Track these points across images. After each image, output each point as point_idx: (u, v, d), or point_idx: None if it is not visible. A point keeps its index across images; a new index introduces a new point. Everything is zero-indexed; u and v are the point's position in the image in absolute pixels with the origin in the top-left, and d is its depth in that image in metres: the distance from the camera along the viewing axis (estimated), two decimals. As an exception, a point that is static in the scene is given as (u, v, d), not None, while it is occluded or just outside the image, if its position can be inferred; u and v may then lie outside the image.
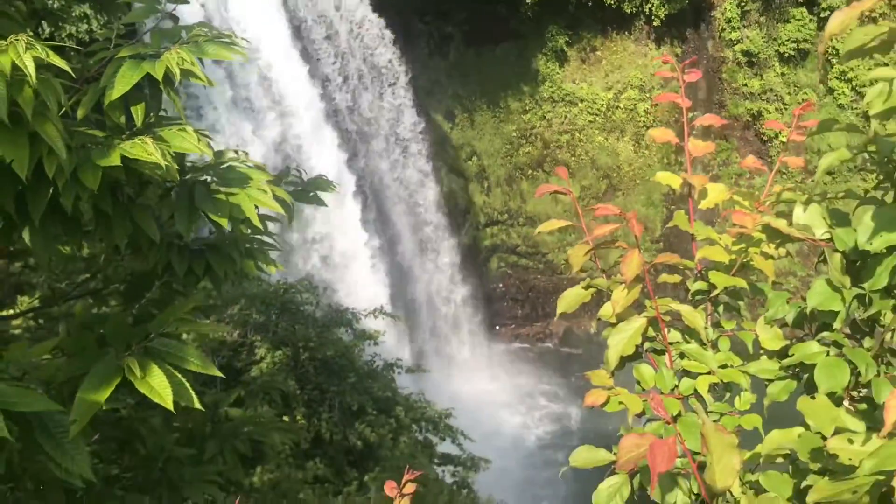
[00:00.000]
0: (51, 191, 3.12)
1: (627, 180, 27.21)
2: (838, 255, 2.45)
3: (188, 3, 3.70)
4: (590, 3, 25.42)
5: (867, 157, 2.57)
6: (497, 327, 27.33)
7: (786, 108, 25.39)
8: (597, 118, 27.17)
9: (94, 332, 3.57)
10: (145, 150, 2.97)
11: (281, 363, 10.54)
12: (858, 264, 2.45)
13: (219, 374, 3.28)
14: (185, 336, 3.66)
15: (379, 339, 12.61)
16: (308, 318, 11.61)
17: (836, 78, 25.08)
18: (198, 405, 3.15)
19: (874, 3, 2.03)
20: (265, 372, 10.20)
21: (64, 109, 2.99)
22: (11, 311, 5.79)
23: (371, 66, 21.86)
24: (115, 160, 2.93)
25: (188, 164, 3.71)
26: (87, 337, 3.41)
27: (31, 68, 2.62)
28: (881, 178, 2.50)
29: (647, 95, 26.78)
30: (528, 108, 27.12)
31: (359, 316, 12.47)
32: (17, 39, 2.59)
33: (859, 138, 2.59)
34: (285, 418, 10.09)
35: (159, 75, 3.01)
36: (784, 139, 2.97)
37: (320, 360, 11.15)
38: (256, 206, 3.61)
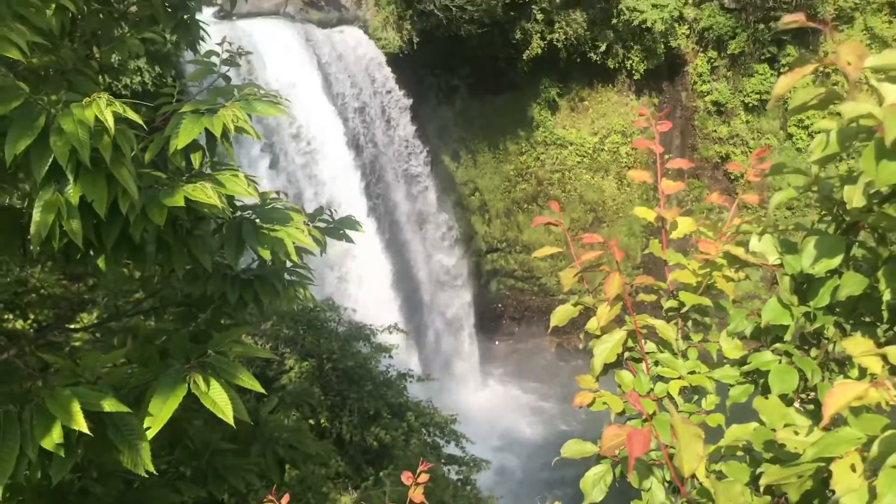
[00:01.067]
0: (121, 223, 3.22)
1: (611, 214, 27.29)
2: (788, 278, 2.53)
3: (239, 66, 3.82)
4: (578, 60, 25.63)
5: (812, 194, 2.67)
6: (497, 343, 27.30)
7: (750, 151, 25.42)
8: (584, 159, 27.31)
9: (155, 345, 3.65)
10: (205, 193, 3.05)
11: (307, 372, 10.58)
12: (805, 286, 2.51)
13: (262, 390, 3.24)
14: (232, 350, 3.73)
15: (392, 351, 12.64)
16: (331, 333, 11.67)
17: (795, 125, 25.17)
18: (248, 419, 3.17)
19: (814, 68, 2.15)
20: (293, 381, 10.24)
21: (133, 153, 3.12)
22: (74, 326, 5.89)
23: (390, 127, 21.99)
24: (178, 201, 3.01)
25: (237, 203, 3.81)
26: (151, 349, 3.49)
27: (110, 122, 2.72)
28: (823, 213, 2.60)
29: (629, 140, 26.87)
30: (524, 150, 27.29)
31: (375, 332, 12.52)
32: (100, 97, 2.71)
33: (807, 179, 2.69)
34: (310, 421, 10.12)
35: (217, 131, 3.09)
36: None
37: (342, 370, 11.20)
38: (294, 242, 3.68)
